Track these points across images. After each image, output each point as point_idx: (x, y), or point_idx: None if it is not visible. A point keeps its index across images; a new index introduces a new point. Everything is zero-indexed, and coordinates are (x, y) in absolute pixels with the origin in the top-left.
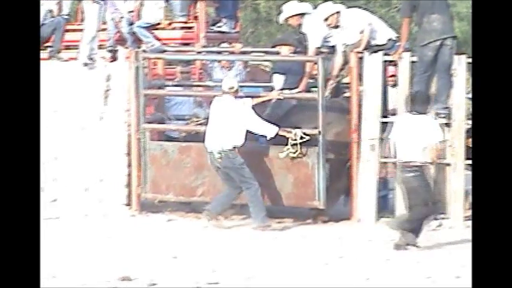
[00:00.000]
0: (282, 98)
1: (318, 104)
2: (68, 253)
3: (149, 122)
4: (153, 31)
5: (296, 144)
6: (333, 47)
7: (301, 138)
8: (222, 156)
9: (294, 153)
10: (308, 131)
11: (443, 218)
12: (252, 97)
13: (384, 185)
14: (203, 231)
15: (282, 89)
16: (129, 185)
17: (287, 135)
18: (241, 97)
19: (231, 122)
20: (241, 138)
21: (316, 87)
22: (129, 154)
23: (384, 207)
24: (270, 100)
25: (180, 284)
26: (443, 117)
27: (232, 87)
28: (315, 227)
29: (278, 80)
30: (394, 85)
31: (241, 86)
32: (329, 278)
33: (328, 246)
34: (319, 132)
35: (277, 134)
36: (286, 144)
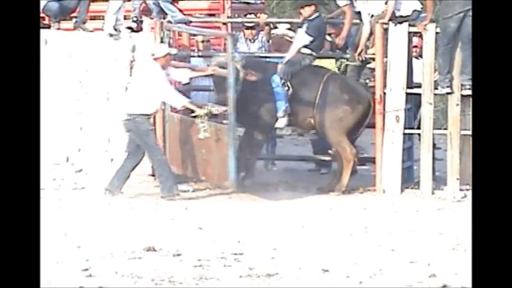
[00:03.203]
0: (214, 73)
1: (229, 81)
2: (93, 223)
3: None
4: (179, 2)
5: (203, 121)
6: (359, 13)
7: (207, 115)
8: (129, 119)
9: (205, 131)
10: (220, 109)
11: (467, 189)
12: (193, 69)
13: (408, 156)
14: (228, 201)
15: (304, 47)
16: None
17: (195, 109)
18: (179, 67)
19: (146, 88)
20: (153, 106)
21: (345, 58)
22: (153, 125)
23: (409, 178)
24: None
25: (205, 255)
26: (469, 89)
27: (153, 54)
28: (340, 198)
29: (302, 37)
30: (418, 56)
31: (265, 57)
32: (354, 249)
33: (353, 217)
34: (227, 110)
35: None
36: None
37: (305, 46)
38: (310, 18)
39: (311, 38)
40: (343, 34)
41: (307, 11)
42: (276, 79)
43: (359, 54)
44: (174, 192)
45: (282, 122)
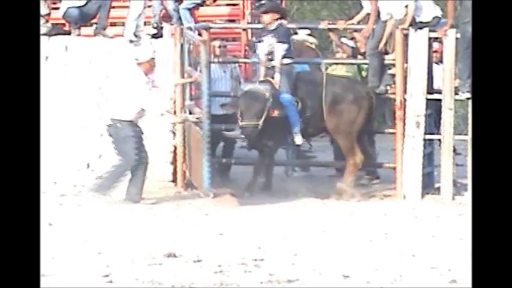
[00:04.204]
0: (200, 80)
1: (202, 88)
2: (113, 229)
3: (193, 99)
4: (200, 8)
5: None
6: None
7: (182, 122)
8: (111, 124)
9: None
10: (198, 116)
11: None
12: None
13: (428, 161)
14: (249, 207)
15: (284, 57)
16: (174, 161)
17: (171, 116)
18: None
19: (127, 93)
20: (133, 112)
21: (366, 64)
22: (173, 131)
23: (429, 184)
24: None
25: (226, 261)
26: None
27: (137, 59)
28: (361, 203)
29: (278, 48)
30: (438, 62)
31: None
32: (374, 255)
33: (373, 223)
34: (198, 118)
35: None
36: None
37: (284, 56)
38: (273, 27)
39: (286, 46)
40: (368, 26)
41: (269, 17)
42: (287, 96)
43: (384, 45)
44: (100, 194)
45: (299, 139)
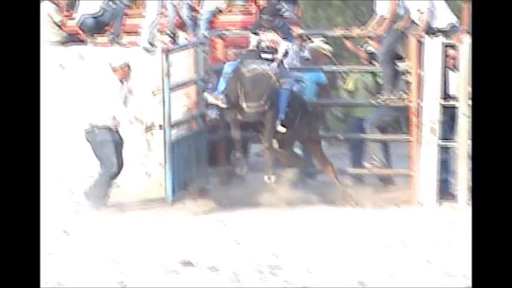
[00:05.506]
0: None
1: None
2: (129, 237)
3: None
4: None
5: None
6: None
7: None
8: (88, 130)
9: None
10: (158, 125)
11: None
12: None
13: (444, 168)
14: (265, 215)
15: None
16: None
17: (138, 123)
18: None
19: (102, 100)
20: (107, 118)
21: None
22: None
23: (445, 190)
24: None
25: (242, 268)
26: None
27: (111, 65)
28: (377, 210)
29: (284, 45)
30: (454, 68)
31: (298, 69)
32: (390, 262)
33: (389, 230)
34: (160, 126)
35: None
36: None
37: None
38: (279, 24)
39: (289, 42)
40: (383, 26)
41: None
42: (290, 80)
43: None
44: (97, 205)
45: (279, 126)
